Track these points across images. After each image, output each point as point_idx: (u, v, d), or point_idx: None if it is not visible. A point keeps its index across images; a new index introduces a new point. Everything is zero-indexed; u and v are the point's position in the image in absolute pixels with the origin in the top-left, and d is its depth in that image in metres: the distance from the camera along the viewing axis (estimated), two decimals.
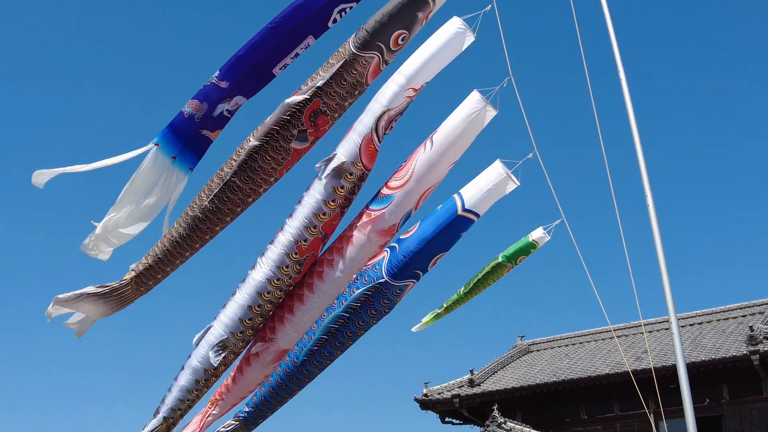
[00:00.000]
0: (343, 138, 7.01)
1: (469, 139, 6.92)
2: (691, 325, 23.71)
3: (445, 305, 9.74)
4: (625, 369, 20.38)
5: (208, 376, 7.28)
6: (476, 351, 49.73)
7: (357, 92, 6.93)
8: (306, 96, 6.76)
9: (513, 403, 23.08)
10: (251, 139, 6.89)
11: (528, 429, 21.65)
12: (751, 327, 20.03)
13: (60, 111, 45.70)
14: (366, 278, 6.81)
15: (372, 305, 6.84)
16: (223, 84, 7.27)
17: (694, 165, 46.40)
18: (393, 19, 6.75)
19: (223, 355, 7.14)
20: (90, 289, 7.08)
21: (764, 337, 19.57)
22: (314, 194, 6.96)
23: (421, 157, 6.90)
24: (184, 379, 7.33)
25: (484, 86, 6.89)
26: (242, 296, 7.12)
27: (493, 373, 24.39)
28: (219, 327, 7.17)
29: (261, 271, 7.06)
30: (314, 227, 6.95)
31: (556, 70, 47.20)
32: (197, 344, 7.29)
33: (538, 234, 8.38)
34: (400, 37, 6.82)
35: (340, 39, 6.91)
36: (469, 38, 6.86)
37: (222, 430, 7.56)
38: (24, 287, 41.68)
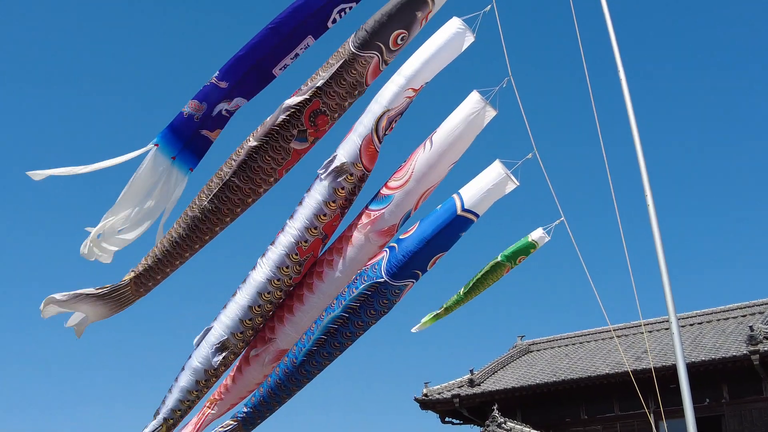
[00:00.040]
0: (344, 139, 7.01)
1: (468, 140, 6.93)
2: (691, 325, 23.71)
3: (444, 306, 9.72)
4: (625, 369, 20.39)
5: (208, 377, 7.27)
6: (476, 351, 49.82)
7: (357, 92, 6.94)
8: (306, 96, 6.77)
9: (513, 403, 23.09)
10: (251, 139, 6.89)
11: (528, 429, 21.65)
12: (751, 327, 20.04)
13: (60, 111, 45.75)
14: (365, 278, 6.81)
15: (371, 305, 6.84)
16: (223, 84, 7.26)
17: (694, 165, 46.45)
18: (392, 19, 6.77)
19: (223, 355, 7.14)
20: (88, 290, 7.06)
21: (764, 337, 19.57)
22: (315, 195, 6.97)
23: (421, 157, 6.91)
24: (185, 379, 7.32)
25: (483, 86, 6.91)
26: (242, 297, 7.12)
27: (493, 373, 24.40)
28: (219, 327, 7.17)
29: (261, 272, 7.06)
30: (315, 228, 6.96)
31: (556, 70, 47.26)
32: (197, 345, 7.29)
33: (537, 234, 8.35)
34: (400, 37, 6.83)
35: (340, 39, 6.92)
36: (469, 38, 6.87)
37: (220, 430, 7.55)
38: (24, 287, 41.63)
